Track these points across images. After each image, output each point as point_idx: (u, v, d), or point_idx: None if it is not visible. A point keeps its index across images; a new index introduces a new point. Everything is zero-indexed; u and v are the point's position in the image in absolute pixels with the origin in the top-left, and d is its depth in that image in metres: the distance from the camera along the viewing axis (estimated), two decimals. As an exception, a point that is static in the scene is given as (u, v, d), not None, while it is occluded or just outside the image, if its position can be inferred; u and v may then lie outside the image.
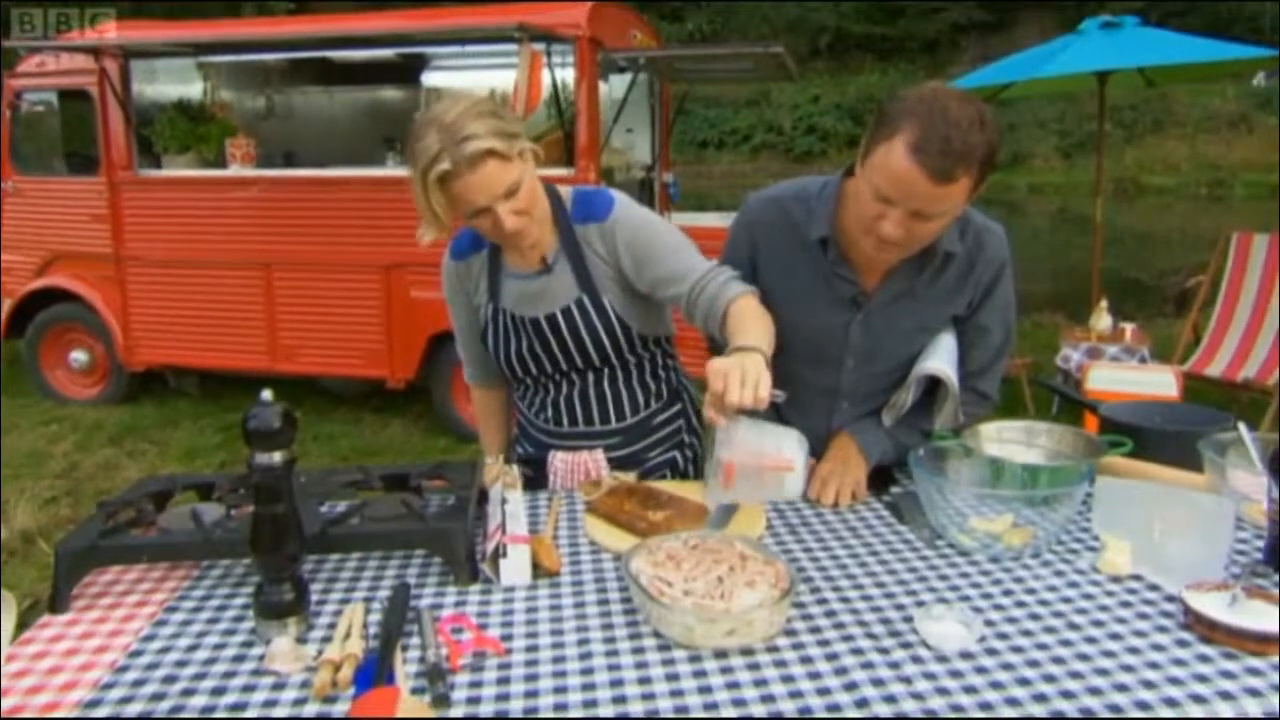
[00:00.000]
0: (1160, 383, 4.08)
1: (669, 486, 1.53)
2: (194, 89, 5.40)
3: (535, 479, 1.70)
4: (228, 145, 4.90)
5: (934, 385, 1.58)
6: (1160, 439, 1.56)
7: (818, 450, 1.60)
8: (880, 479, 1.59)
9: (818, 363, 1.57)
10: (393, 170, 4.90)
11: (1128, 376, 4.16)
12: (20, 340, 5.53)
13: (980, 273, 1.50)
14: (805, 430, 1.63)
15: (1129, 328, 4.75)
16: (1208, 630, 1.05)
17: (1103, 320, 4.78)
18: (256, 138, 5.08)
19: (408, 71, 5.66)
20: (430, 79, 5.71)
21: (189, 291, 4.98)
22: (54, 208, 5.27)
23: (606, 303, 1.55)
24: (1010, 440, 1.56)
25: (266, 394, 1.08)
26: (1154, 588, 1.19)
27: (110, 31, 4.92)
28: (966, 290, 1.52)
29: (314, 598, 1.18)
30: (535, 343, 1.58)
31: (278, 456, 1.07)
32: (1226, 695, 0.95)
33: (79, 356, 5.45)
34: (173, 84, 5.31)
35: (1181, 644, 1.05)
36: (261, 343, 4.90)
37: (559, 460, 1.67)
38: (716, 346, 1.51)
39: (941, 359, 1.52)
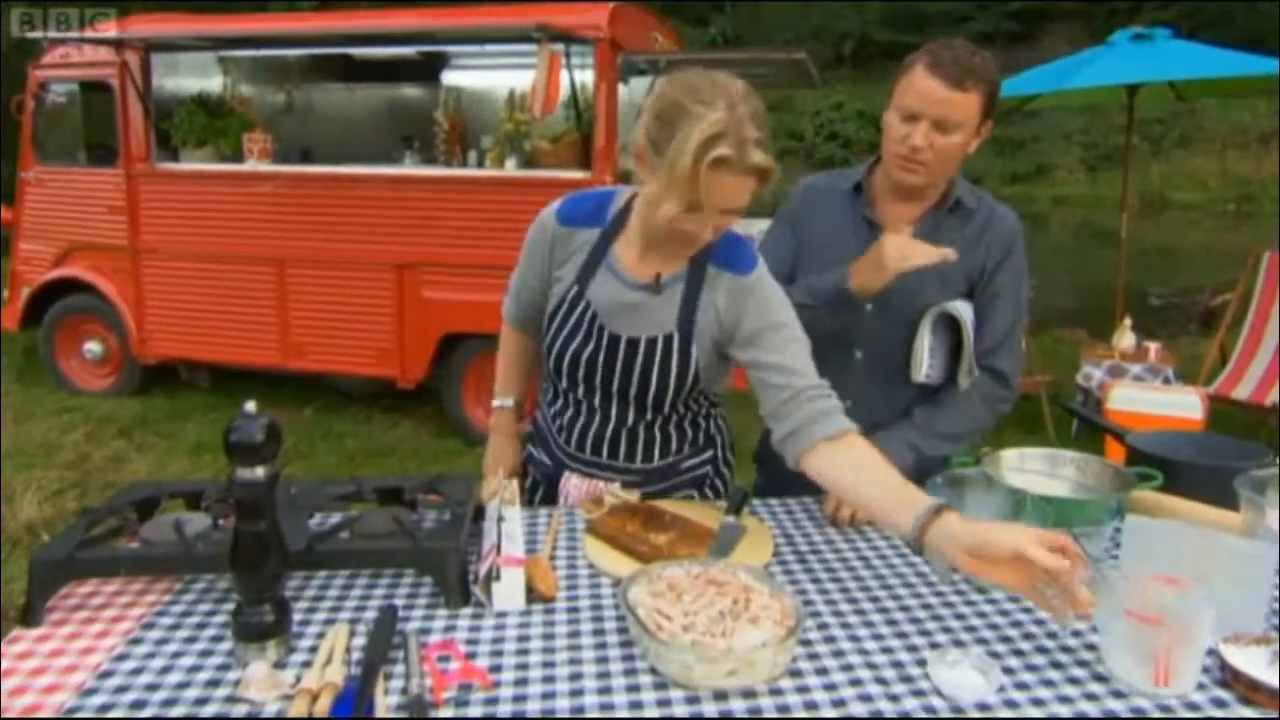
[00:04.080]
0: (1185, 404, 3.96)
1: (673, 506, 1.47)
2: (214, 83, 5.40)
3: (547, 493, 1.63)
4: (245, 140, 4.89)
5: (952, 376, 1.63)
6: (1192, 473, 1.49)
7: None
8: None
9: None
10: (410, 169, 4.88)
11: (1151, 397, 4.05)
12: (36, 329, 5.54)
13: (994, 236, 1.62)
14: None
15: (1153, 346, 4.64)
16: (1247, 689, 0.98)
17: (1126, 338, 4.68)
18: (274, 133, 5.06)
19: (427, 70, 5.63)
20: (450, 78, 5.69)
21: (203, 285, 4.97)
22: (73, 198, 5.28)
23: (694, 350, 1.44)
24: (1032, 470, 1.49)
25: (250, 405, 1.03)
26: (1186, 636, 1.12)
27: (110, 31, 4.91)
28: (980, 248, 1.61)
29: (298, 617, 1.12)
30: (603, 354, 1.46)
31: (260, 471, 1.02)
32: (1267, 763, 0.88)
33: (93, 347, 5.45)
34: (193, 78, 5.31)
35: (1218, 703, 0.98)
36: (273, 338, 4.88)
37: (572, 484, 1.58)
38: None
39: (955, 308, 1.60)
